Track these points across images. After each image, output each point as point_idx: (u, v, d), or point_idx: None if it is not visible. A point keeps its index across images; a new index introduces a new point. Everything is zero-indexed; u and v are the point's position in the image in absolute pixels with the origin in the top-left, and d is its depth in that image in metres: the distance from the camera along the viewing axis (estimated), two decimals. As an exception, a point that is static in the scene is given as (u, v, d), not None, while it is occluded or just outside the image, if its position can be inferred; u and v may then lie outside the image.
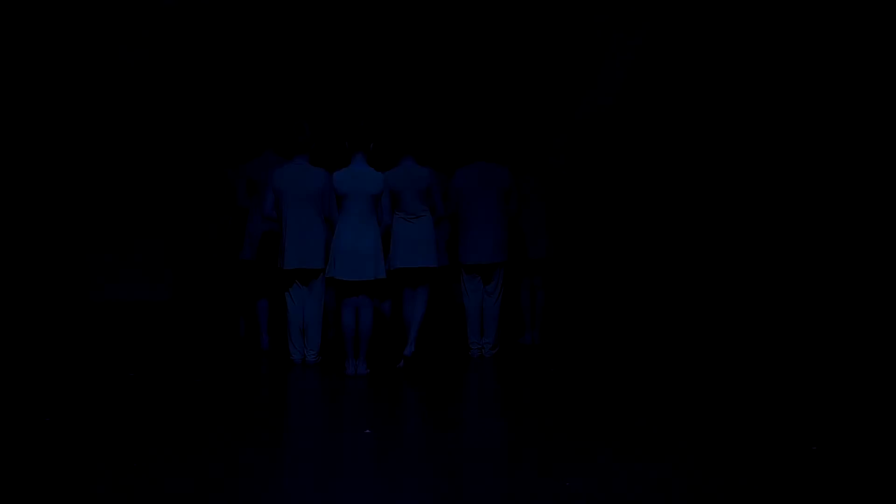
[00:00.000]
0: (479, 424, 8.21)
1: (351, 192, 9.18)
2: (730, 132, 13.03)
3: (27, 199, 12.38)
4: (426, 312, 9.67)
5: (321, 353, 9.72)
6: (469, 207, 9.88)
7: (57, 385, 9.09)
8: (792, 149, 12.79)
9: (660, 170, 12.99)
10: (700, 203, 13.00)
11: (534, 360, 10.12)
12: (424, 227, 9.56)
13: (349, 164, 9.34)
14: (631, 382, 9.09)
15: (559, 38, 12.85)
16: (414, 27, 12.73)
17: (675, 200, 13.00)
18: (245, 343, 10.58)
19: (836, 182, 12.73)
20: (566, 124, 12.95)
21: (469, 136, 10.15)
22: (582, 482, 6.53)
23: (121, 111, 12.48)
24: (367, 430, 7.76)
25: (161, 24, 12.52)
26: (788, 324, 11.73)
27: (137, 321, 11.81)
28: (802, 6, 12.76)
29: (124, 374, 9.30)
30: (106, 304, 12.33)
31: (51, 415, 7.94)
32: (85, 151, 12.48)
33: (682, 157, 13.00)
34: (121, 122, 12.49)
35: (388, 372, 9.51)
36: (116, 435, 7.48)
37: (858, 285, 12.31)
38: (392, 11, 12.71)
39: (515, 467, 6.89)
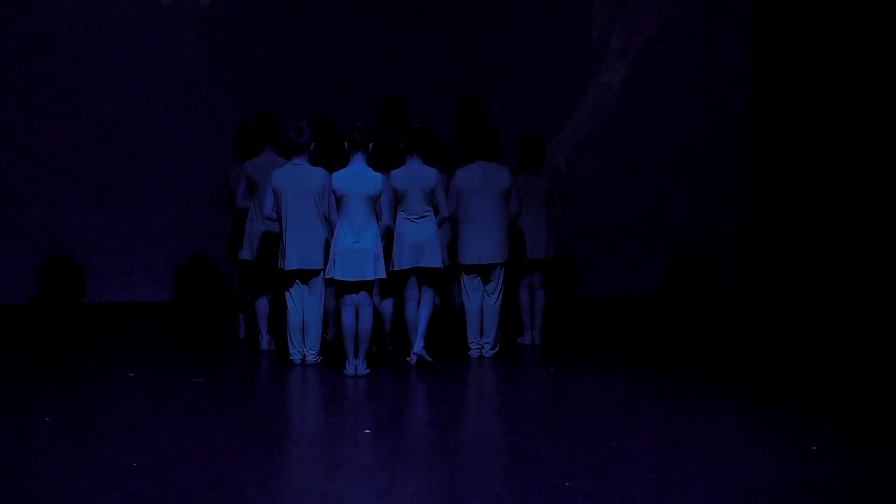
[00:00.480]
0: (479, 424, 8.21)
1: (349, 192, 9.17)
2: (730, 131, 13.04)
3: (30, 199, 12.39)
4: (431, 309, 9.68)
5: (321, 352, 9.71)
6: (469, 207, 9.87)
7: (57, 385, 9.09)
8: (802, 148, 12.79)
9: (661, 169, 12.98)
10: (705, 201, 13.00)
11: (533, 360, 10.12)
12: (429, 227, 9.56)
13: (348, 164, 9.33)
14: (630, 383, 9.09)
15: (560, 35, 12.83)
16: (414, 26, 12.71)
17: (677, 199, 13.00)
18: (245, 343, 10.57)
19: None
20: (567, 123, 12.96)
21: (471, 135, 10.14)
22: (581, 482, 6.53)
23: (121, 109, 12.47)
24: (367, 430, 7.76)
25: (161, 21, 12.51)
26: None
27: (137, 321, 11.80)
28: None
29: (124, 374, 9.29)
30: (105, 304, 12.33)
31: (51, 415, 7.94)
32: (84, 151, 12.46)
33: (683, 156, 13.00)
34: (120, 120, 12.48)
35: (387, 372, 9.51)
36: (116, 435, 7.48)
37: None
38: (392, 10, 12.69)
39: (515, 467, 6.89)
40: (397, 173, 9.61)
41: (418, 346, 9.59)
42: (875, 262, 12.31)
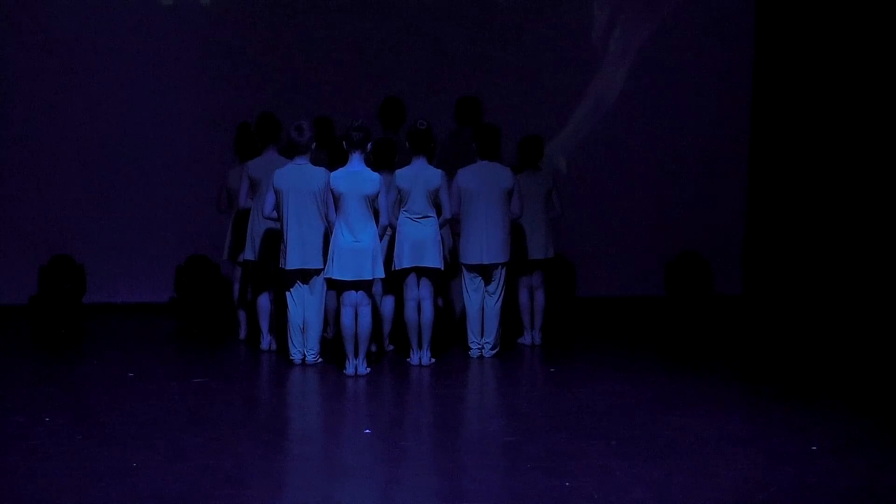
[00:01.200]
0: (479, 424, 8.21)
1: (347, 191, 9.17)
2: (731, 131, 13.03)
3: (30, 199, 12.38)
4: (433, 314, 9.69)
5: (321, 353, 9.71)
6: (471, 207, 9.86)
7: (57, 385, 9.09)
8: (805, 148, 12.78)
9: (661, 169, 12.96)
10: (705, 201, 12.99)
11: (533, 360, 10.12)
12: (430, 227, 9.57)
13: (346, 164, 9.34)
14: (630, 383, 9.09)
15: (560, 35, 12.82)
16: (414, 26, 12.70)
17: (677, 199, 12.99)
18: (246, 343, 10.57)
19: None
20: (567, 123, 12.95)
21: (473, 135, 10.13)
22: (581, 482, 6.53)
23: (121, 109, 12.47)
24: (367, 430, 7.76)
25: (162, 22, 12.50)
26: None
27: (137, 321, 11.79)
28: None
29: (124, 374, 9.30)
30: (105, 304, 12.32)
31: (51, 415, 7.94)
32: (84, 151, 12.46)
33: (683, 156, 12.99)
34: (120, 121, 12.48)
35: (387, 372, 9.52)
36: (116, 435, 7.48)
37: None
38: (392, 10, 12.68)
39: (515, 467, 6.89)
40: (402, 172, 9.62)
41: (426, 357, 9.62)
42: (875, 261, 12.31)
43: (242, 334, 10.70)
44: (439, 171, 9.67)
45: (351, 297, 9.26)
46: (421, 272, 9.63)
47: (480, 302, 9.96)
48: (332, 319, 10.17)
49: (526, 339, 10.52)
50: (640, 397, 8.56)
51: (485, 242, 9.84)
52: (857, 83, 12.51)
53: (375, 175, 9.29)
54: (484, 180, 9.88)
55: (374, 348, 9.84)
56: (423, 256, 9.56)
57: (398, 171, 9.64)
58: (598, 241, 12.85)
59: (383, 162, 9.82)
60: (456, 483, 6.66)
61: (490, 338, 9.96)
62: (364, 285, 9.28)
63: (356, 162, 9.28)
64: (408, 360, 9.73)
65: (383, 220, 9.34)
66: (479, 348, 9.97)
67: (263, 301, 10.15)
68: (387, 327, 10.03)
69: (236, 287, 10.68)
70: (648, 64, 12.89)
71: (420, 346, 9.66)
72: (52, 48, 12.34)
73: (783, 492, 6.37)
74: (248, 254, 10.06)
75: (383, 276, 9.36)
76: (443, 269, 9.69)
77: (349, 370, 9.28)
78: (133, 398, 8.53)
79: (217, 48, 12.53)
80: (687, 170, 12.95)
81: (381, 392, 9.05)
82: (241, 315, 10.68)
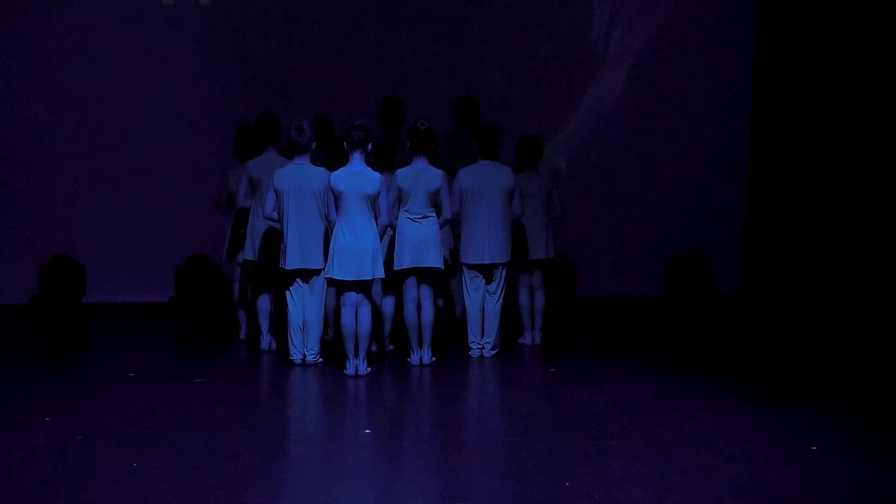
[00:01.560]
0: (479, 424, 8.21)
1: (348, 191, 9.17)
2: (731, 131, 13.03)
3: (30, 199, 12.39)
4: (434, 314, 9.69)
5: (321, 353, 9.70)
6: (472, 207, 9.87)
7: (57, 385, 9.09)
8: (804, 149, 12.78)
9: (662, 169, 12.97)
10: (705, 201, 13.00)
11: (534, 360, 10.12)
12: (431, 227, 9.57)
13: (346, 164, 9.34)
14: (630, 383, 9.09)
15: (560, 35, 12.82)
16: (414, 26, 12.71)
17: (677, 199, 12.99)
18: (246, 343, 10.57)
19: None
20: (567, 123, 12.96)
21: (473, 135, 10.13)
22: (581, 482, 6.53)
23: (121, 109, 12.47)
24: (367, 430, 7.76)
25: (162, 22, 12.50)
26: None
27: (137, 321, 11.80)
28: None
29: (124, 374, 9.30)
30: (105, 304, 12.33)
31: (51, 415, 7.94)
32: (84, 151, 12.46)
33: (683, 156, 12.99)
34: (120, 120, 12.48)
35: (388, 372, 9.51)
36: (116, 435, 7.48)
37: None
38: (392, 10, 12.69)
39: (516, 467, 6.89)
40: (402, 172, 9.62)
41: (426, 356, 9.62)
42: (875, 261, 12.31)
43: (242, 334, 10.70)
44: (440, 171, 9.67)
45: (351, 297, 9.26)
46: (421, 272, 9.63)
47: (481, 302, 9.96)
48: (331, 320, 10.16)
49: (526, 339, 10.52)
50: (640, 397, 8.56)
51: (486, 242, 9.85)
52: (857, 84, 12.51)
53: (376, 175, 9.29)
54: (485, 180, 9.88)
55: (374, 348, 9.84)
56: (424, 256, 9.56)
57: (399, 171, 9.64)
58: (598, 241, 12.86)
59: (384, 162, 9.83)
60: (456, 483, 6.66)
61: (490, 338, 9.96)
62: (364, 285, 9.28)
63: (357, 162, 9.29)
64: (408, 360, 9.73)
65: (383, 219, 9.33)
66: (479, 348, 9.97)
67: (263, 301, 10.15)
68: (387, 327, 10.03)
69: (236, 287, 10.68)
70: (648, 64, 12.90)
71: (420, 346, 9.67)
72: (52, 48, 12.35)
73: (783, 492, 6.37)
74: (248, 253, 10.07)
75: (384, 276, 9.36)
76: (443, 268, 9.70)
77: (349, 370, 9.28)
78: (133, 398, 8.53)
79: (217, 48, 12.54)
80: (687, 170, 12.96)
81: (381, 392, 9.05)
82: (241, 315, 10.68)
